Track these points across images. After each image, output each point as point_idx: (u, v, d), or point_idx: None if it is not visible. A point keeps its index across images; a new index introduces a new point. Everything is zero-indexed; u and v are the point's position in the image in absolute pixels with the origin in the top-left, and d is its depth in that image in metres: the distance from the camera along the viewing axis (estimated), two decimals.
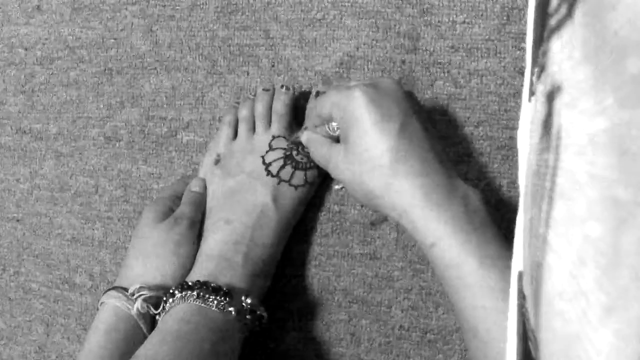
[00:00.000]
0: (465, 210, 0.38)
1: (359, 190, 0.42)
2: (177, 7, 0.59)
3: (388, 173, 0.39)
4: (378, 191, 0.40)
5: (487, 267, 0.36)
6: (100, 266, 0.61)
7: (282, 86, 0.53)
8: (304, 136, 0.48)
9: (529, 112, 0.29)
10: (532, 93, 0.28)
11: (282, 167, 0.51)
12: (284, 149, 0.51)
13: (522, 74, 0.50)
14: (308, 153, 0.51)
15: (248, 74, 0.57)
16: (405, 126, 0.40)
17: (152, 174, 0.59)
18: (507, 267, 0.32)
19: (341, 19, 0.54)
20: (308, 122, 0.48)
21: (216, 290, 0.45)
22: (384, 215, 0.49)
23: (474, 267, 0.37)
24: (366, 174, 0.40)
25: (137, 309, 0.47)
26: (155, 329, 0.45)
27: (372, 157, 0.40)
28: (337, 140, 0.45)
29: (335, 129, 0.45)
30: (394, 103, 0.41)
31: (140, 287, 0.47)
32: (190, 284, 0.46)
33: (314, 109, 0.46)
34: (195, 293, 0.45)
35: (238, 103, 0.56)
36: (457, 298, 0.38)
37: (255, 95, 0.55)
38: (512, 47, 0.51)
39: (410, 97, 0.45)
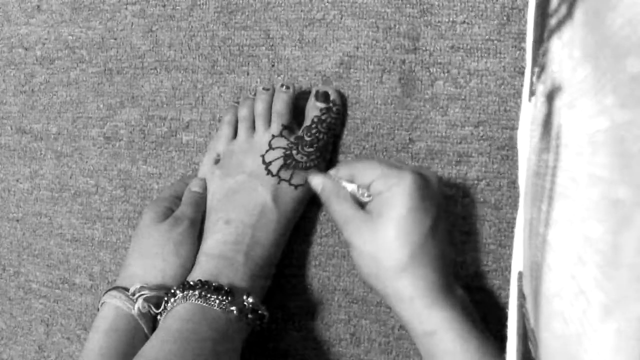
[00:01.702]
0: (463, 307, 0.41)
1: (368, 263, 0.42)
2: (177, 7, 0.59)
3: (406, 261, 0.41)
4: (390, 273, 0.41)
5: (484, 354, 0.39)
6: (100, 266, 0.61)
7: (282, 85, 0.53)
8: (318, 181, 0.47)
9: (529, 112, 0.29)
10: (532, 93, 0.28)
11: (282, 166, 0.51)
12: (284, 148, 0.51)
13: (522, 74, 0.50)
14: (308, 153, 0.51)
15: (248, 73, 0.57)
16: (436, 224, 0.42)
17: (152, 174, 0.59)
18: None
19: (341, 19, 0.54)
20: (336, 171, 0.47)
21: (218, 289, 0.45)
22: None
23: (475, 358, 0.39)
24: (384, 252, 0.41)
25: (138, 309, 0.47)
26: (157, 328, 0.45)
27: (398, 241, 0.41)
28: (358, 203, 0.45)
29: (366, 196, 0.45)
30: (433, 199, 0.42)
31: (141, 287, 0.47)
32: (191, 283, 0.46)
33: (349, 166, 0.46)
34: (196, 292, 0.45)
35: (238, 102, 0.56)
36: None
37: (255, 94, 0.55)
38: (512, 47, 0.51)
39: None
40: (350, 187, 0.45)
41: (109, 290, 0.49)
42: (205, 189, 0.53)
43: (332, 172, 0.47)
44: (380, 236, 0.41)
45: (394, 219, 0.41)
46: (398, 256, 0.41)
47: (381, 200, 0.42)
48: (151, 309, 0.47)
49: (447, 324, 0.40)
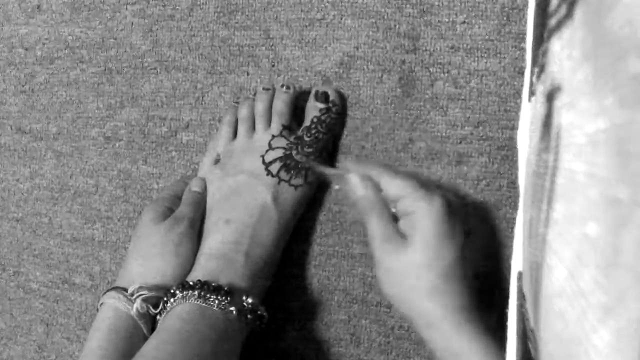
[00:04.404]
0: (484, 327, 0.42)
1: (395, 283, 0.43)
2: (177, 7, 0.59)
3: (434, 285, 0.41)
4: (417, 294, 0.42)
5: None
6: (100, 266, 0.61)
7: (282, 85, 0.53)
8: (357, 183, 0.45)
9: (529, 112, 0.29)
10: (532, 93, 0.28)
11: (282, 166, 0.51)
12: (284, 148, 0.51)
13: (522, 74, 0.50)
14: (308, 153, 0.51)
15: (248, 73, 0.57)
16: (462, 248, 0.42)
17: (152, 174, 0.59)
18: None
19: (341, 19, 0.54)
20: (364, 168, 0.46)
21: (217, 289, 0.45)
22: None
23: None
24: (413, 274, 0.42)
25: (137, 309, 0.47)
26: (157, 328, 0.45)
27: (426, 264, 0.41)
28: None
29: (390, 211, 0.44)
30: (459, 223, 0.43)
31: (140, 287, 0.47)
32: (191, 283, 0.46)
33: (377, 171, 0.45)
34: (196, 293, 0.45)
35: (238, 103, 0.56)
36: None
37: (255, 94, 0.55)
38: (512, 47, 0.51)
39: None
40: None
41: (108, 290, 0.49)
42: (205, 189, 0.53)
43: (352, 174, 0.45)
44: (409, 258, 0.42)
45: (423, 243, 0.41)
46: (431, 278, 0.41)
47: (410, 222, 0.43)
48: (150, 309, 0.47)
49: (472, 346, 0.40)
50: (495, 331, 0.43)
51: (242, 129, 0.53)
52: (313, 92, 0.53)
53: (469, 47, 0.51)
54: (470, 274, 0.44)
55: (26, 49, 0.63)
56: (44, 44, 0.63)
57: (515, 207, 0.51)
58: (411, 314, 0.43)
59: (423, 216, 0.42)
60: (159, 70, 0.59)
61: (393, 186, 0.44)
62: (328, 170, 0.49)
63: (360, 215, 0.46)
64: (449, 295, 0.41)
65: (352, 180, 0.45)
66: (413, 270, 0.42)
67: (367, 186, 0.45)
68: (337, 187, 0.54)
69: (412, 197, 0.42)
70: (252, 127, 0.53)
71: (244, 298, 0.46)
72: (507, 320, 0.30)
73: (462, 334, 0.41)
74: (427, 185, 0.44)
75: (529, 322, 0.25)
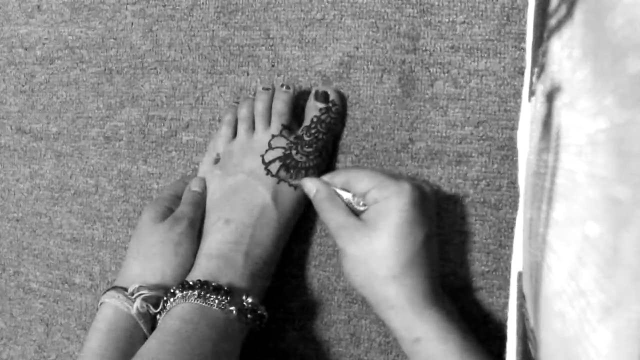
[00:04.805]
0: (446, 312, 0.43)
1: (360, 270, 0.44)
2: (177, 7, 0.59)
3: (399, 270, 0.42)
4: (381, 280, 0.42)
5: (467, 358, 0.41)
6: (100, 266, 0.61)
7: (282, 85, 0.53)
8: (311, 185, 0.48)
9: (529, 112, 0.29)
10: (532, 93, 0.28)
11: (282, 166, 0.51)
12: (284, 148, 0.51)
13: (522, 74, 0.50)
14: (307, 152, 0.51)
15: (248, 74, 0.57)
16: (429, 236, 0.43)
17: (152, 174, 0.59)
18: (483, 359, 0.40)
19: (341, 19, 0.54)
20: (331, 177, 0.48)
21: (217, 289, 0.45)
22: None
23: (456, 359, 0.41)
24: (376, 261, 0.42)
25: (137, 309, 0.47)
26: (156, 328, 0.45)
27: (391, 250, 0.42)
28: (352, 212, 0.46)
29: (361, 204, 0.45)
30: (429, 212, 0.44)
31: (140, 287, 0.47)
32: (191, 283, 0.46)
33: (345, 174, 0.47)
34: (196, 292, 0.45)
35: (238, 102, 0.56)
36: None
37: (255, 94, 0.55)
38: (512, 47, 0.51)
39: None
40: (346, 195, 0.46)
41: (108, 290, 0.49)
42: (204, 188, 0.53)
43: (326, 178, 0.48)
44: (374, 244, 0.42)
45: (390, 229, 0.42)
46: (391, 265, 0.42)
47: (378, 209, 0.43)
48: (150, 308, 0.47)
49: (432, 331, 0.41)
50: (457, 318, 0.44)
51: (242, 129, 0.53)
52: (313, 92, 0.53)
53: (469, 47, 0.51)
54: (437, 260, 0.45)
55: (26, 49, 0.63)
56: (44, 44, 0.63)
57: (515, 207, 0.51)
58: (373, 298, 0.44)
59: (391, 203, 0.42)
60: (159, 70, 0.59)
61: (362, 180, 0.45)
62: (294, 182, 0.51)
63: (319, 214, 0.47)
64: (412, 281, 0.42)
65: (304, 183, 0.48)
66: (374, 255, 0.42)
67: (316, 184, 0.47)
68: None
69: (380, 187, 0.43)
70: (252, 127, 0.53)
71: (243, 298, 0.46)
72: (507, 320, 0.30)
73: (423, 319, 0.42)
74: (396, 176, 0.45)
75: (529, 322, 0.25)
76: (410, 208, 0.42)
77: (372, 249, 0.43)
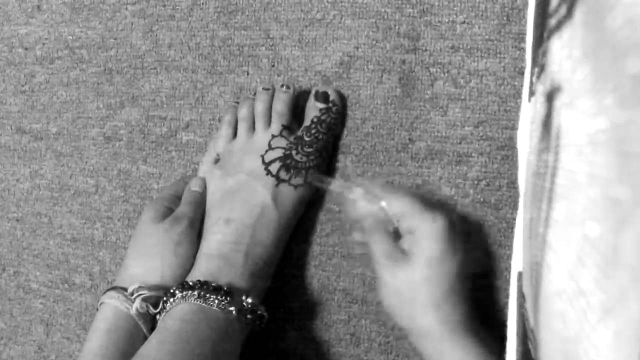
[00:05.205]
0: (479, 340, 0.43)
1: (398, 299, 0.44)
2: (177, 7, 0.59)
3: (436, 301, 0.43)
4: (414, 308, 0.43)
5: None
6: (100, 266, 0.61)
7: (282, 85, 0.53)
8: (364, 203, 0.47)
9: (529, 112, 0.29)
10: (532, 93, 0.28)
11: (282, 166, 0.51)
12: (284, 148, 0.51)
13: (522, 74, 0.50)
14: (308, 153, 0.51)
15: (248, 73, 0.57)
16: (462, 265, 0.44)
17: (152, 174, 0.59)
18: None
19: (341, 19, 0.54)
20: (364, 188, 0.47)
21: (217, 289, 0.45)
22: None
23: None
24: (416, 290, 0.43)
25: (137, 309, 0.47)
26: (156, 328, 0.45)
27: (429, 281, 0.43)
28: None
29: (391, 228, 0.46)
30: (458, 242, 0.44)
31: (140, 287, 0.47)
32: (190, 283, 0.46)
33: (378, 188, 0.47)
34: (196, 293, 0.45)
35: (238, 102, 0.56)
36: None
37: (255, 94, 0.55)
38: (512, 47, 0.51)
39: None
40: (381, 213, 0.46)
41: (108, 290, 0.49)
42: (204, 188, 0.53)
43: (357, 187, 0.47)
44: (410, 275, 0.43)
45: (427, 260, 0.43)
46: (428, 295, 0.43)
47: (413, 239, 0.44)
48: (149, 308, 0.47)
49: (465, 358, 0.42)
50: (490, 343, 0.44)
51: (242, 129, 0.53)
52: (313, 92, 0.53)
53: (469, 47, 0.51)
54: (468, 288, 0.46)
55: (26, 49, 0.63)
56: (44, 44, 0.63)
57: (515, 207, 0.51)
58: (408, 327, 0.44)
59: (426, 234, 0.43)
60: (159, 70, 0.59)
61: (397, 203, 0.45)
62: (330, 185, 0.50)
63: (364, 233, 0.47)
64: (447, 311, 0.43)
65: (357, 194, 0.47)
66: (413, 286, 0.43)
67: (371, 201, 0.46)
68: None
69: (415, 216, 0.44)
70: (252, 127, 0.53)
71: (243, 298, 0.46)
72: (507, 320, 0.30)
73: (456, 346, 0.42)
74: (429, 203, 0.45)
75: (529, 322, 0.25)
76: (445, 240, 0.43)
77: (411, 278, 0.43)
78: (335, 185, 0.49)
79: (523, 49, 0.50)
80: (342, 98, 0.54)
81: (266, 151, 0.51)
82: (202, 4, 0.58)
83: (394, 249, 0.45)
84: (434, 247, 0.43)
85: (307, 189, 0.52)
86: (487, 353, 0.43)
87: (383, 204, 0.46)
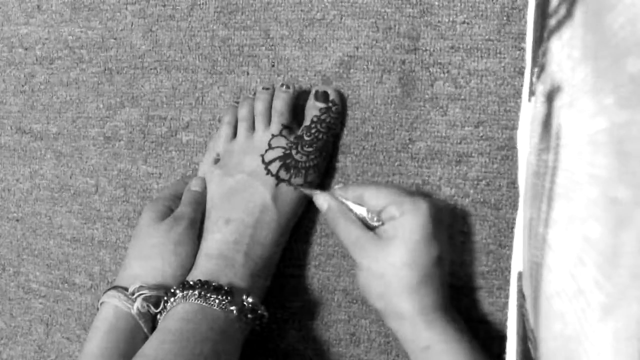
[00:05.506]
0: (452, 321, 0.44)
1: (375, 283, 0.44)
2: (177, 7, 0.59)
3: (415, 284, 0.43)
4: (397, 293, 0.44)
5: None
6: (100, 266, 0.61)
7: (282, 85, 0.53)
8: (323, 200, 0.48)
9: (529, 112, 0.29)
10: (532, 93, 0.28)
11: (282, 166, 0.51)
12: (284, 148, 0.51)
13: (522, 74, 0.50)
14: (308, 152, 0.51)
15: (248, 73, 0.57)
16: (442, 253, 0.44)
17: (152, 173, 0.59)
18: None
19: (341, 19, 0.54)
20: (344, 192, 0.48)
21: (217, 289, 0.45)
22: None
23: None
24: (395, 274, 0.43)
25: (137, 309, 0.47)
26: (157, 328, 0.45)
27: (409, 265, 0.43)
28: (366, 226, 0.47)
29: (375, 219, 0.46)
30: (442, 229, 0.45)
31: (140, 287, 0.47)
32: (191, 283, 0.46)
33: (358, 188, 0.47)
34: (196, 292, 0.45)
35: (238, 102, 0.56)
36: None
37: (255, 94, 0.55)
38: (512, 47, 0.51)
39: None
40: (359, 210, 0.47)
41: (108, 289, 0.49)
42: (205, 188, 0.53)
43: (338, 192, 0.48)
44: (391, 259, 0.44)
45: (408, 244, 0.43)
46: (408, 279, 0.43)
47: (395, 224, 0.44)
48: (150, 308, 0.47)
49: (440, 339, 0.43)
50: (463, 325, 0.46)
51: (242, 129, 0.53)
52: (313, 91, 0.53)
53: (469, 47, 0.51)
54: (447, 273, 0.46)
55: (26, 49, 0.63)
56: (44, 44, 0.63)
57: (515, 207, 0.51)
58: (385, 310, 0.45)
59: (408, 219, 0.44)
60: (159, 70, 0.59)
61: (377, 196, 0.46)
62: (305, 191, 0.50)
63: (332, 228, 0.48)
64: (425, 294, 0.43)
65: (317, 198, 0.48)
66: (392, 270, 0.43)
67: (328, 199, 0.48)
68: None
69: (397, 204, 0.44)
70: (252, 127, 0.53)
71: (244, 298, 0.46)
72: (507, 320, 0.30)
73: (432, 328, 0.43)
74: (412, 193, 0.46)
75: (529, 322, 0.25)
76: (427, 225, 0.43)
77: (389, 263, 0.43)
78: (305, 190, 0.50)
79: (523, 49, 0.51)
80: (342, 98, 0.54)
81: (266, 151, 0.51)
82: (202, 4, 0.58)
83: (364, 233, 0.45)
84: (416, 231, 0.43)
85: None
86: (459, 333, 0.44)
87: (349, 203, 0.47)
